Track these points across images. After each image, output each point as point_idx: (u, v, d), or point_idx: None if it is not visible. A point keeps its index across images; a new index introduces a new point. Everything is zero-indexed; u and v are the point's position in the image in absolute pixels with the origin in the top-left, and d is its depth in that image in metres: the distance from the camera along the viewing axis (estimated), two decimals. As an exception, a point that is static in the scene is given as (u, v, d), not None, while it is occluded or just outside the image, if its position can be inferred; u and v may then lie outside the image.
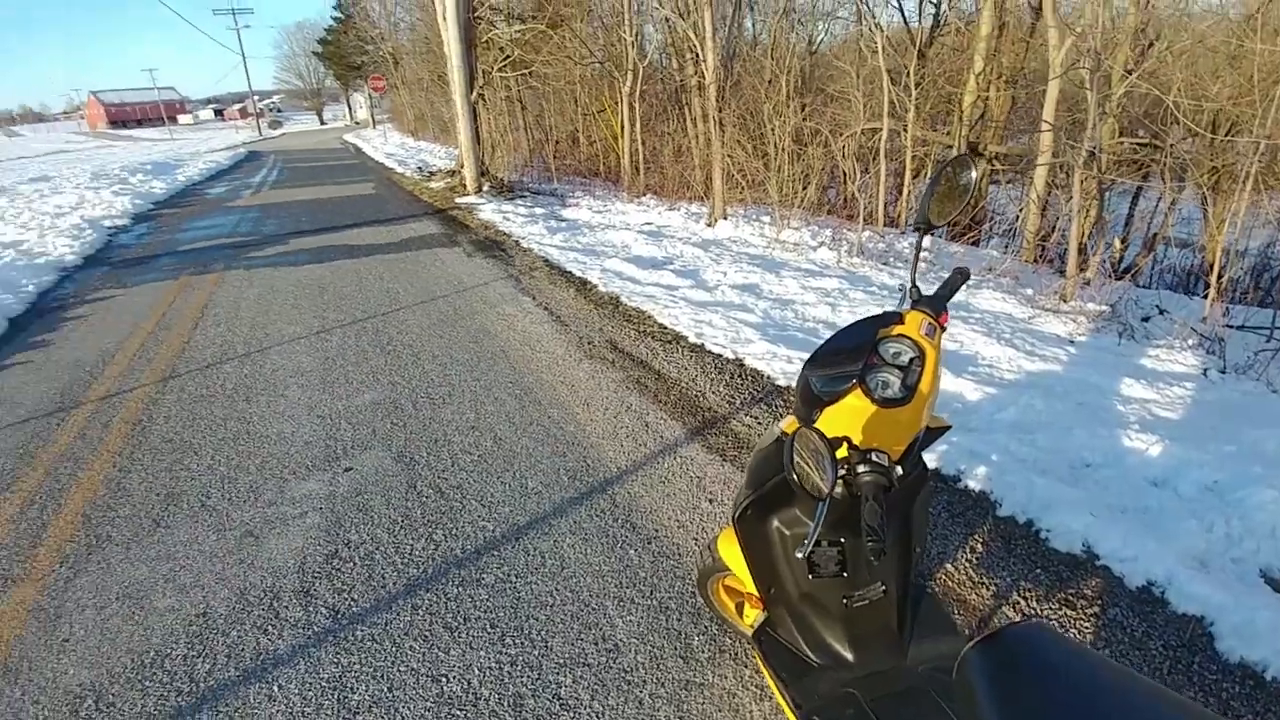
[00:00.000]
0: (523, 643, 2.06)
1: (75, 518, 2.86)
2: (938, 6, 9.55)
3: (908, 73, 7.23)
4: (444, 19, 11.58)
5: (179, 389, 4.11)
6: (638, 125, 12.18)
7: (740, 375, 3.91)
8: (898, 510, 1.33)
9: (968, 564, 2.31)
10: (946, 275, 1.57)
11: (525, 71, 14.75)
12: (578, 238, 7.98)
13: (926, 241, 7.37)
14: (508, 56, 14.59)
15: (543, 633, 2.10)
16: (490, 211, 9.98)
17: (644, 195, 11.29)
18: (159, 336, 5.10)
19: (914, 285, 1.49)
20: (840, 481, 1.14)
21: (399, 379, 4.06)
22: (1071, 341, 4.07)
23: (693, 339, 4.48)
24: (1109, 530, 2.31)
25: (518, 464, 3.06)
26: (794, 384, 1.45)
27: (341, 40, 41.98)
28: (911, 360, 1.27)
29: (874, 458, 1.11)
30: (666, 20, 11.21)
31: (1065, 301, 4.67)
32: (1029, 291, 4.98)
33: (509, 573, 2.36)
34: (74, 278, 7.26)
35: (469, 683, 1.94)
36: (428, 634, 2.12)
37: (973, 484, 2.70)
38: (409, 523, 2.68)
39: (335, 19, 42.97)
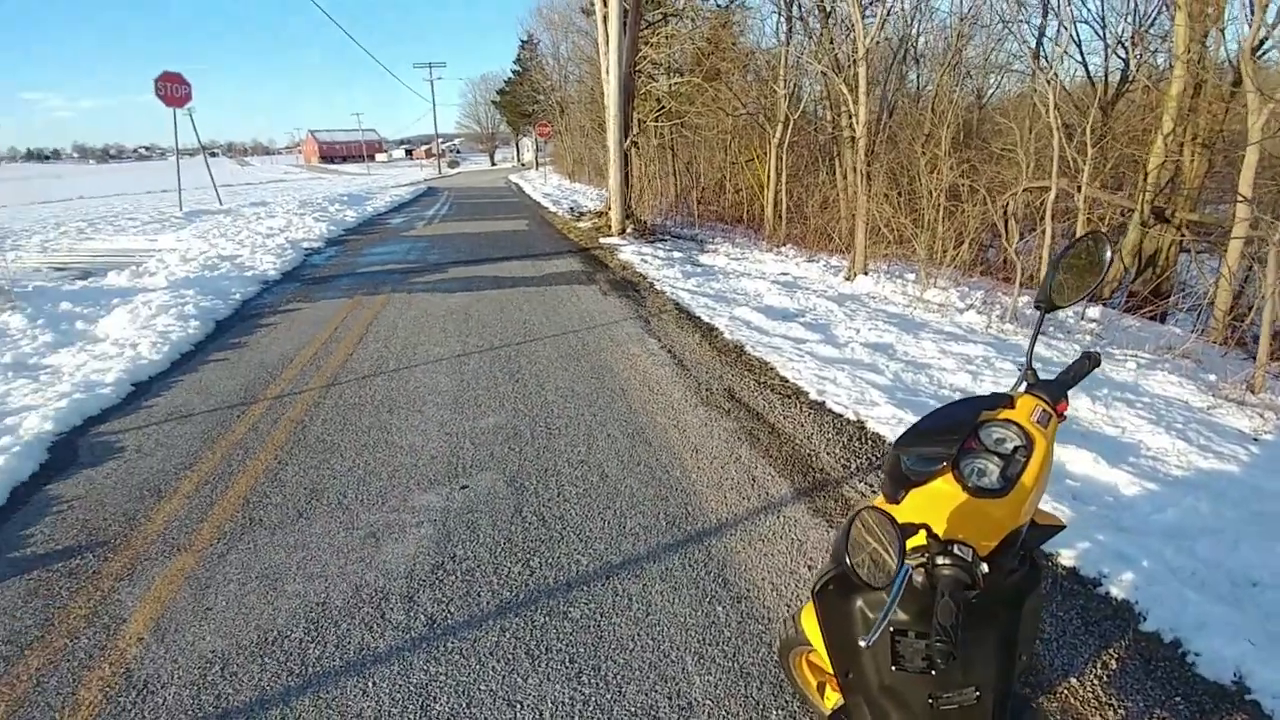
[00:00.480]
0: (598, 683, 2.06)
1: (237, 500, 3.25)
2: (1126, 62, 8.81)
3: (1083, 130, 6.68)
4: (607, 73, 12.33)
5: (337, 395, 4.59)
6: (784, 175, 12.19)
7: (860, 438, 3.72)
8: (999, 612, 1.20)
9: (1096, 681, 2.02)
10: (1092, 354, 1.42)
11: (678, 121, 15.31)
12: (711, 283, 8.05)
13: (1095, 310, 6.73)
14: (663, 107, 15.24)
15: (619, 677, 2.09)
16: (630, 253, 10.34)
17: (784, 245, 11.21)
18: (329, 347, 5.73)
19: (1030, 367, 1.37)
20: (921, 570, 1.05)
21: (522, 406, 4.27)
22: (1255, 439, 3.50)
23: (814, 395, 4.34)
24: (1269, 661, 1.95)
25: (620, 502, 3.10)
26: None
27: (517, 91, 45.94)
28: (1016, 449, 1.16)
29: (956, 550, 1.01)
30: (822, 73, 11.20)
31: (1253, 393, 4.03)
32: (1211, 378, 4.36)
33: (595, 610, 2.38)
34: (272, 290, 8.38)
35: (541, 714, 1.96)
36: (510, 657, 2.17)
37: (1115, 591, 2.37)
38: (510, 546, 2.79)
39: (514, 71, 47.16)
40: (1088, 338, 5.95)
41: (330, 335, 6.10)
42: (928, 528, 1.05)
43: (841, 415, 4.03)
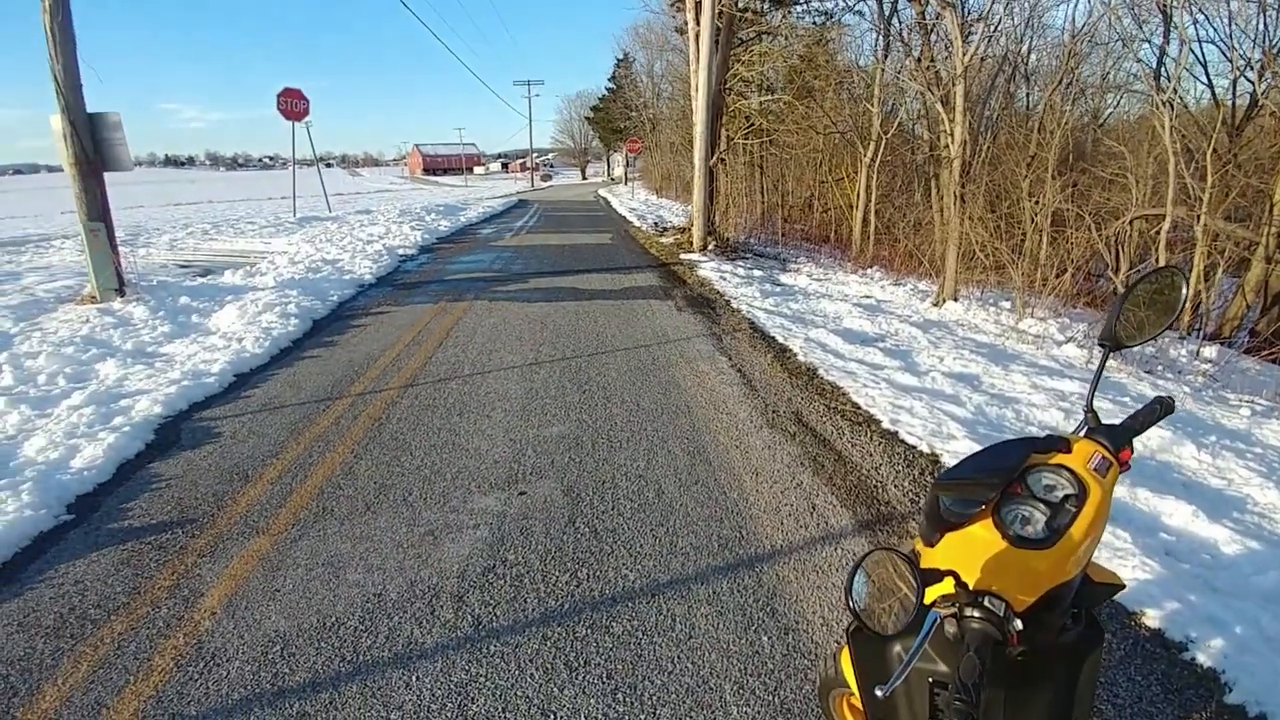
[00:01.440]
0: (633, 703, 2.03)
1: (314, 489, 3.43)
2: (1254, 85, 8.08)
3: (1204, 156, 6.15)
4: (696, 90, 12.40)
5: (414, 396, 4.78)
6: (874, 195, 11.86)
7: (932, 473, 3.53)
8: (1051, 673, 1.10)
9: (1184, 765, 1.81)
10: (1164, 399, 1.29)
11: (767, 139, 15.20)
12: (789, 303, 7.90)
13: (1210, 350, 6.14)
14: (752, 124, 15.18)
15: (654, 698, 2.05)
16: (710, 269, 10.30)
17: (870, 267, 10.87)
18: (411, 350, 6.00)
19: (1091, 409, 1.25)
20: (953, 620, 0.97)
21: (586, 418, 4.31)
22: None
23: (886, 424, 4.16)
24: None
25: (673, 520, 3.07)
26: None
27: (610, 108, 46.96)
28: (1066, 499, 1.05)
29: (987, 603, 0.93)
30: (920, 92, 10.85)
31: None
32: (1350, 432, 3.87)
33: (637, 628, 2.35)
34: (367, 293, 8.86)
35: (573, 728, 1.95)
36: (549, 667, 2.18)
37: (1201, 657, 2.13)
38: (560, 555, 2.80)
39: (608, 89, 48.26)
40: (1200, 379, 5.43)
41: (414, 338, 6.38)
42: (956, 575, 0.97)
43: (914, 447, 3.84)
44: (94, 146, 7.13)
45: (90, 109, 7.07)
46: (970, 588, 0.97)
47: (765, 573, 2.67)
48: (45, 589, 2.64)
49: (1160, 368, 5.59)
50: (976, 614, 0.93)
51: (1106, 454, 1.14)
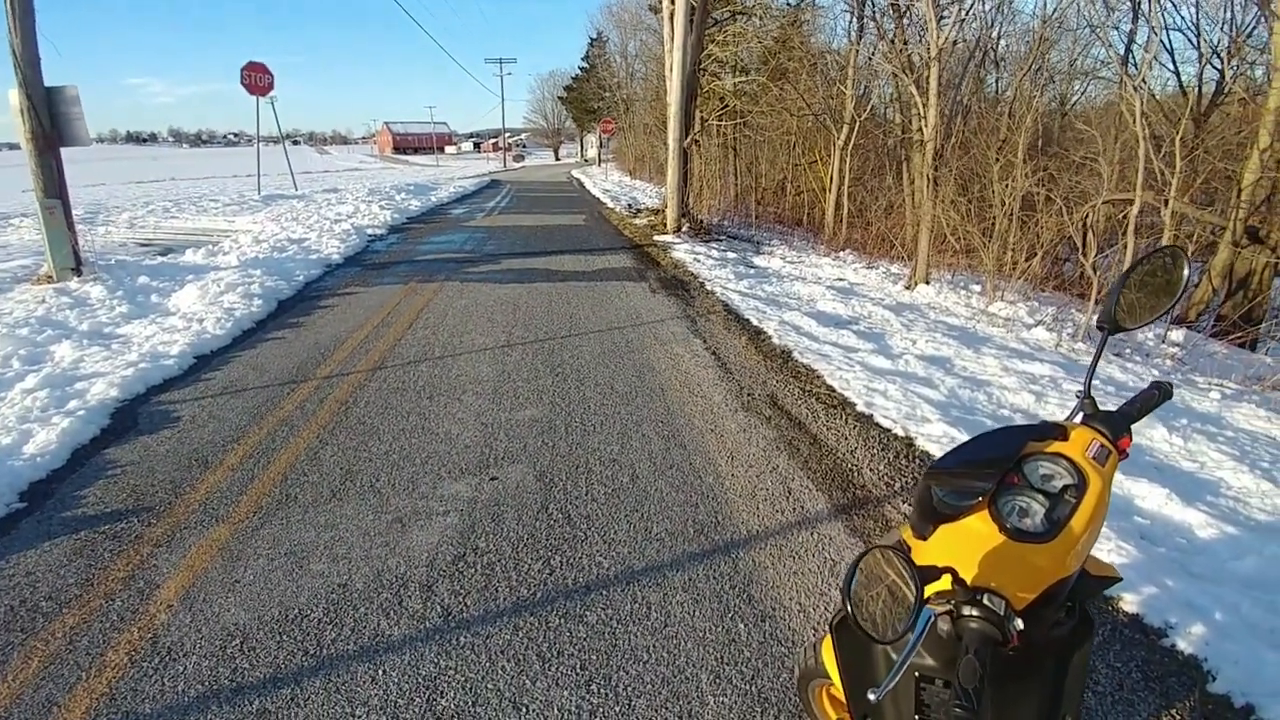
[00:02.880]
0: (607, 694, 1.99)
1: (277, 476, 3.32)
2: (1221, 73, 8.21)
3: (1172, 141, 6.23)
4: (670, 70, 12.24)
5: (382, 379, 4.66)
6: (847, 178, 11.87)
7: (907, 456, 3.54)
8: (1040, 667, 1.07)
9: (1155, 746, 1.83)
10: (1163, 384, 1.26)
11: (741, 121, 15.10)
12: (763, 286, 7.88)
13: (1178, 334, 6.26)
14: (726, 106, 15.06)
15: (629, 689, 2.01)
16: (683, 251, 10.23)
17: (843, 250, 10.90)
18: (380, 332, 5.84)
19: (1088, 395, 1.22)
20: (947, 617, 0.93)
21: (559, 401, 4.24)
22: (1365, 487, 3.15)
23: (861, 407, 4.16)
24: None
25: (648, 506, 3.02)
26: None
27: (584, 88, 46.32)
28: (1065, 489, 1.01)
29: (986, 601, 0.89)
30: (893, 75, 10.84)
31: (1365, 434, 3.65)
32: (1310, 414, 3.97)
33: (611, 616, 2.31)
34: (334, 274, 8.63)
35: (546, 720, 1.90)
36: (521, 658, 2.13)
37: (1182, 644, 2.16)
38: (533, 542, 2.74)
39: (582, 68, 47.55)
40: (1168, 362, 5.54)
41: (382, 320, 6.22)
42: (954, 572, 0.93)
43: (889, 430, 3.84)
44: (51, 121, 6.82)
45: (51, 83, 6.76)
46: (968, 584, 0.93)
47: (741, 558, 2.64)
48: (-11, 582, 2.51)
49: (1128, 350, 5.69)
50: (975, 613, 0.89)
51: (1105, 442, 1.10)
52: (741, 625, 2.27)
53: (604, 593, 2.44)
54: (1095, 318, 6.01)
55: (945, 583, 0.92)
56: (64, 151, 7.11)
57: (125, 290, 6.67)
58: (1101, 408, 1.23)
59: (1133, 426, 1.21)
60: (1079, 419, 1.21)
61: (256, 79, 17.33)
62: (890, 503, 3.07)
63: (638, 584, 2.49)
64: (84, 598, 2.42)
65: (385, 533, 2.82)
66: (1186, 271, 1.22)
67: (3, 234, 11.13)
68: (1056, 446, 1.08)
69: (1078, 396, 1.27)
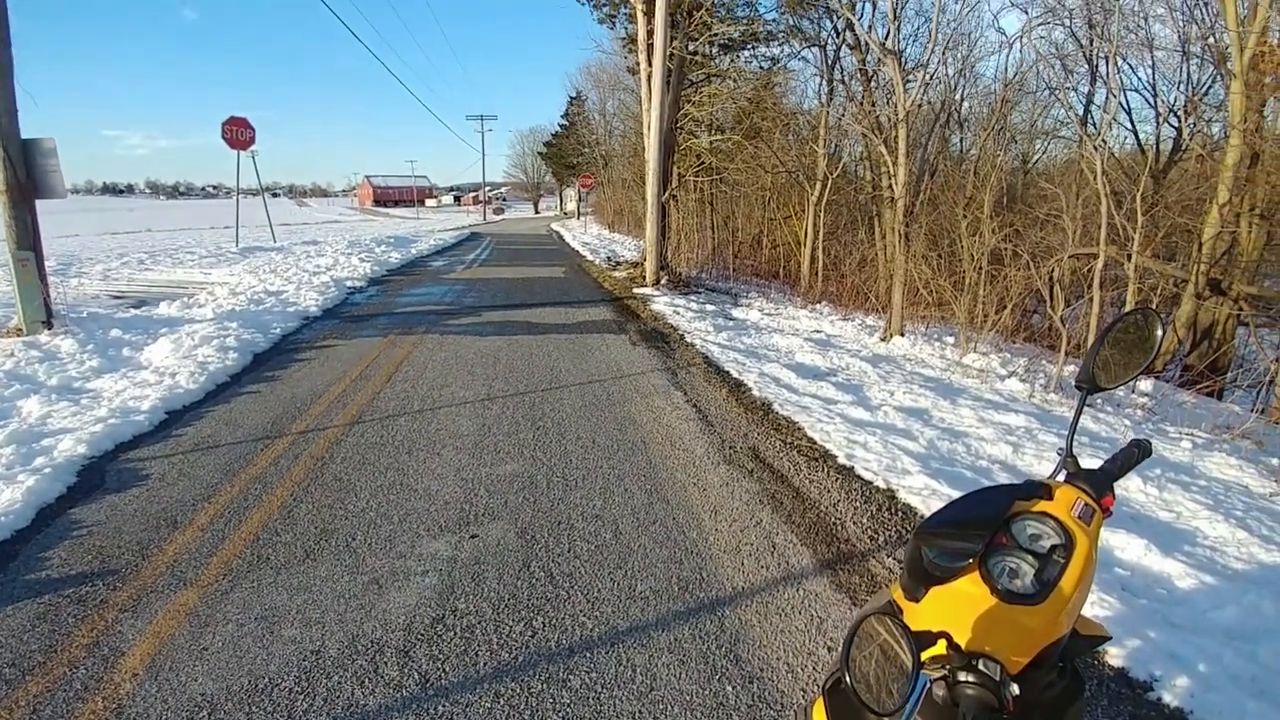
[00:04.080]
0: (592, 764, 1.92)
1: (249, 536, 3.22)
2: (1178, 131, 8.68)
3: (1134, 197, 6.53)
4: (648, 128, 12.62)
5: (359, 434, 4.59)
6: (821, 232, 12.19)
7: (890, 509, 3.55)
8: None
9: (1150, 808, 1.80)
10: (1141, 442, 1.29)
11: (718, 177, 15.54)
12: (742, 338, 7.97)
13: (1147, 384, 6.43)
14: (703, 163, 15.51)
15: (615, 758, 1.94)
16: (663, 304, 10.36)
17: (819, 302, 11.12)
18: (359, 385, 5.78)
19: (1070, 454, 1.25)
20: (943, 683, 0.93)
21: (540, 455, 4.20)
22: (1334, 535, 3.21)
23: (842, 459, 4.18)
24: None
25: (632, 563, 2.98)
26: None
27: (563, 144, 47.49)
28: (1054, 549, 1.03)
29: (982, 666, 0.89)
30: (863, 134, 11.29)
31: (1328, 482, 3.74)
32: (1274, 461, 4.07)
33: (596, 680, 2.25)
34: (312, 326, 8.56)
35: (529, 794, 1.83)
36: (503, 727, 2.05)
37: (1167, 697, 2.15)
38: (514, 603, 2.68)
39: (561, 125, 48.83)
40: (1138, 412, 5.67)
41: (361, 373, 6.17)
42: (949, 637, 0.93)
43: (871, 482, 3.86)
44: (27, 173, 6.78)
45: (27, 134, 6.76)
46: (963, 649, 0.92)
47: (728, 617, 2.60)
48: (-61, 654, 2.38)
49: (1100, 400, 5.81)
50: (971, 679, 0.89)
51: (1089, 500, 1.12)
52: (729, 687, 2.22)
53: (588, 655, 2.37)
54: (1067, 369, 6.16)
55: (940, 648, 0.92)
56: (39, 203, 7.06)
57: (97, 344, 6.55)
58: (1082, 465, 1.26)
59: (1114, 485, 1.24)
60: (1062, 477, 1.23)
61: (238, 133, 17.51)
62: (875, 557, 3.07)
63: (622, 645, 2.43)
64: (47, 665, 2.31)
65: (361, 595, 2.73)
66: (1160, 331, 1.27)
67: (-29, 286, 10.91)
68: (1042, 506, 1.10)
69: (1059, 454, 1.30)
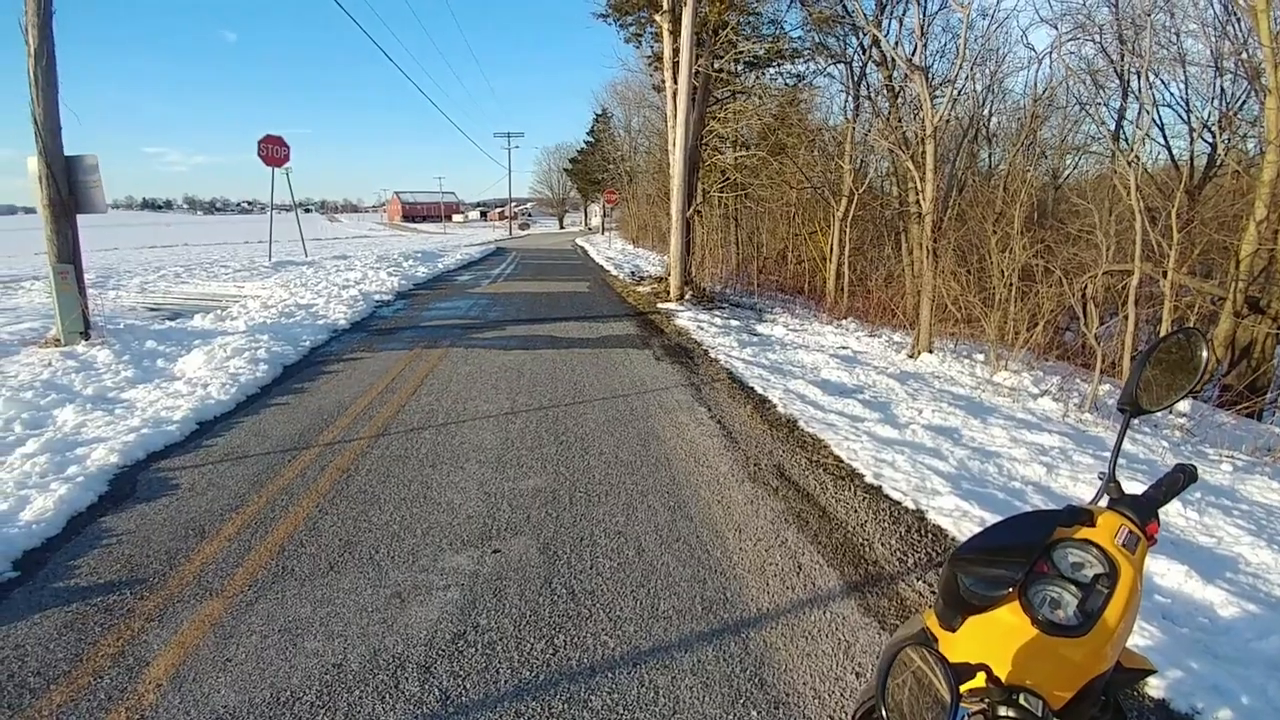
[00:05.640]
0: (613, 788, 1.88)
1: (274, 547, 3.24)
2: (1213, 146, 8.48)
3: (1169, 214, 6.38)
4: (673, 145, 12.68)
5: (384, 446, 4.62)
6: (847, 248, 12.10)
7: (919, 530, 3.46)
8: None
9: None
10: (1186, 467, 1.24)
11: (742, 193, 15.54)
12: (767, 354, 7.91)
13: (1185, 405, 6.24)
14: (727, 178, 15.53)
15: (637, 783, 1.90)
16: (687, 319, 10.33)
17: (845, 318, 11.00)
18: (384, 398, 5.84)
19: (1114, 479, 1.19)
20: (980, 718, 0.89)
21: (563, 470, 4.19)
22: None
23: (869, 478, 4.10)
24: None
25: (654, 581, 2.94)
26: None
27: (588, 160, 47.96)
28: (1097, 578, 0.98)
29: (1023, 701, 0.85)
30: (889, 150, 11.22)
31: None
32: (1327, 488, 3.90)
33: (617, 702, 2.21)
34: (340, 339, 8.69)
35: (549, 818, 1.79)
36: (523, 748, 2.02)
37: (1217, 736, 2.05)
38: (536, 620, 2.65)
39: (587, 142, 49.35)
40: (1177, 434, 5.50)
41: (387, 386, 6.23)
42: (988, 669, 0.88)
43: (899, 503, 3.77)
44: (69, 189, 7.01)
45: (70, 151, 6.99)
46: (1003, 683, 0.88)
47: (752, 638, 2.54)
48: (-27, 659, 2.42)
49: (1136, 421, 5.65)
50: (1012, 713, 0.84)
51: (1134, 528, 1.07)
52: (754, 713, 2.16)
53: (609, 675, 2.33)
54: (1102, 388, 6.00)
55: (979, 680, 0.88)
56: (80, 217, 7.27)
57: (132, 354, 6.70)
58: (1125, 490, 1.20)
59: (1158, 512, 1.18)
60: (1105, 502, 1.18)
61: (273, 151, 17.97)
62: (904, 580, 2.99)
63: (645, 666, 2.38)
64: (72, 674, 2.33)
65: (383, 608, 2.73)
66: (1205, 353, 1.22)
67: (13, 297, 11.28)
68: (1085, 533, 1.05)
69: (1100, 478, 1.25)
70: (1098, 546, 1.02)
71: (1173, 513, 3.50)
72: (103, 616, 2.67)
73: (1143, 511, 1.11)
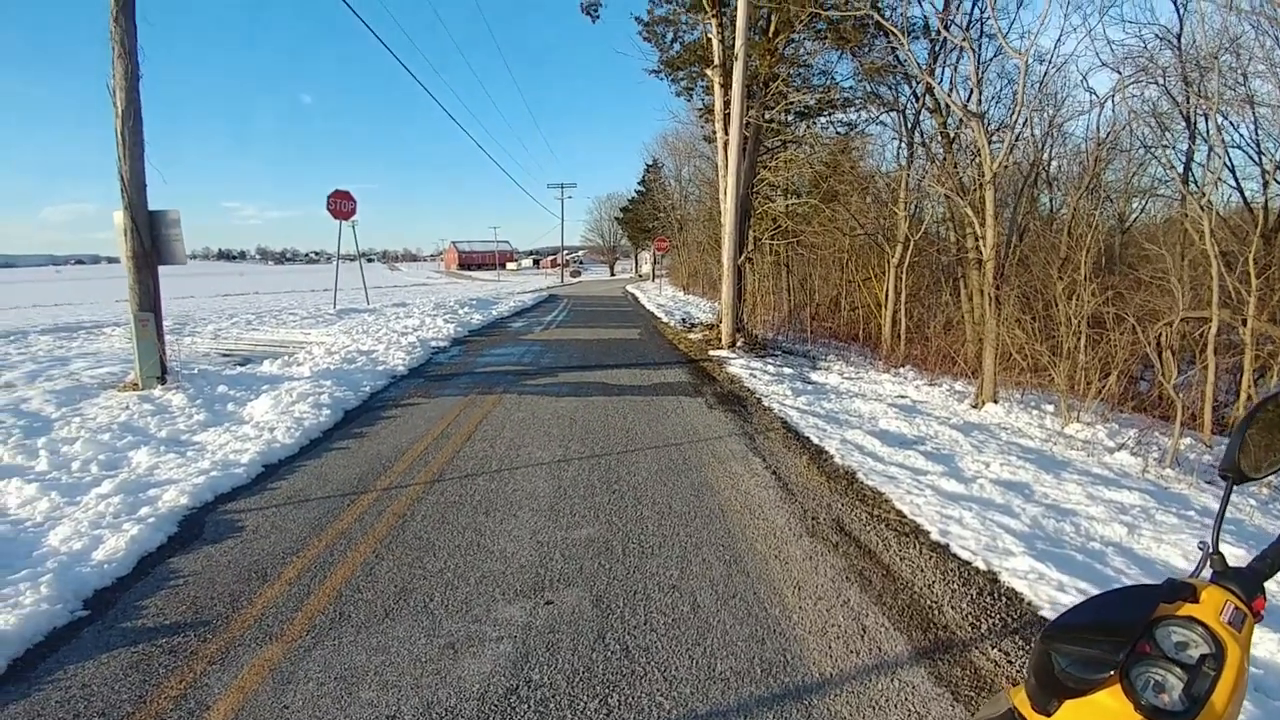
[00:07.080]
0: None
1: (332, 592, 3.28)
2: (1292, 186, 8.09)
3: (1245, 259, 6.07)
4: (724, 194, 12.84)
5: (440, 492, 4.67)
6: (903, 295, 11.90)
7: (992, 593, 3.26)
8: None
9: None
10: None
11: (794, 240, 15.53)
12: (822, 402, 7.75)
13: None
14: (779, 226, 15.57)
15: None
16: (739, 366, 10.26)
17: (902, 366, 10.74)
18: (440, 444, 5.93)
19: (1216, 550, 1.10)
20: None
21: (616, 520, 4.14)
22: None
23: (935, 535, 3.91)
24: None
25: (711, 639, 2.84)
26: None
27: (639, 209, 48.95)
28: (1204, 659, 0.90)
29: None
30: (945, 196, 11.08)
31: None
32: None
33: (675, 770, 2.11)
34: (398, 384, 8.94)
35: None
36: (577, 816, 1.94)
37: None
38: (589, 676, 2.58)
39: (638, 191, 50.50)
40: (1264, 490, 5.10)
41: (442, 431, 6.34)
42: None
43: (969, 563, 3.58)
44: (152, 241, 7.50)
45: (153, 205, 7.49)
46: None
47: (815, 706, 2.41)
48: (53, 691, 2.50)
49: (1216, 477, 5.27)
50: None
51: (1239, 604, 0.98)
52: (820, 789, 2.03)
53: (666, 741, 2.24)
54: (1183, 442, 5.64)
55: None
56: (160, 268, 7.74)
57: (204, 399, 7.03)
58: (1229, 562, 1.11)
59: (1264, 586, 1.08)
60: (1208, 575, 1.09)
61: (341, 204, 18.97)
62: (978, 647, 2.80)
63: (702, 732, 2.28)
64: (135, 716, 2.37)
65: (437, 659, 2.71)
66: None
67: (95, 342, 12.05)
68: (1188, 609, 0.97)
69: (1201, 549, 1.16)
70: (1203, 625, 0.94)
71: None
72: (167, 658, 2.73)
73: (1248, 586, 1.02)
